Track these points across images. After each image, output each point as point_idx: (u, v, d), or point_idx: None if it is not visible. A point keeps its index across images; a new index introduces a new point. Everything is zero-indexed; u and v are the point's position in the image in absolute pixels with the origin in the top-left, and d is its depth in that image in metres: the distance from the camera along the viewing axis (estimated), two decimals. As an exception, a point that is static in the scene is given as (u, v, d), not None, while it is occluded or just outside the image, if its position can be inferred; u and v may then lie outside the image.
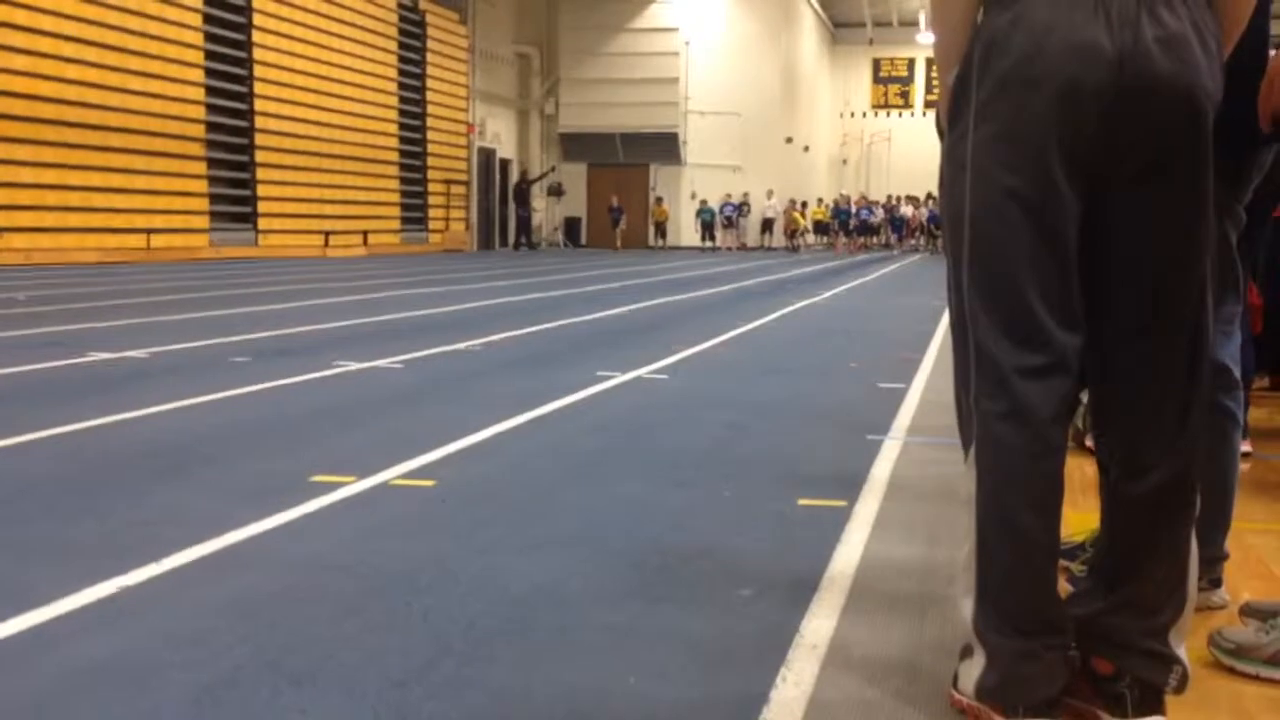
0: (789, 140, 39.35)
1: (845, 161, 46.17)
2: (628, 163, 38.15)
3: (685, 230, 37.30)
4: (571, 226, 38.46)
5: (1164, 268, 2.01)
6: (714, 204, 36.44)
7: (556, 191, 37.90)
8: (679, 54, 37.72)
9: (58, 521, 3.33)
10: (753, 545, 3.23)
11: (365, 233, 26.86)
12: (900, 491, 3.86)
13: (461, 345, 7.87)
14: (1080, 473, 3.65)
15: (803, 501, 3.71)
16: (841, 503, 3.68)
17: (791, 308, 12.26)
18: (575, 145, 38.15)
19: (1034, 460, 1.98)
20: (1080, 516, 3.15)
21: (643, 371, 6.72)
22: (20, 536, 3.19)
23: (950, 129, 2.09)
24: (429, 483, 3.87)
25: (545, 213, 38.17)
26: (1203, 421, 2.06)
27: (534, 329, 9.18)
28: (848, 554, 3.11)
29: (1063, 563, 2.67)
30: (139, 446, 4.39)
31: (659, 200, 37.14)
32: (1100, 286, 2.05)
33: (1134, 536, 2.08)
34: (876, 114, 46.19)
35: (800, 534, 3.34)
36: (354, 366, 6.67)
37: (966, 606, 2.04)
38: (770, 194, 37.26)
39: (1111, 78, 1.91)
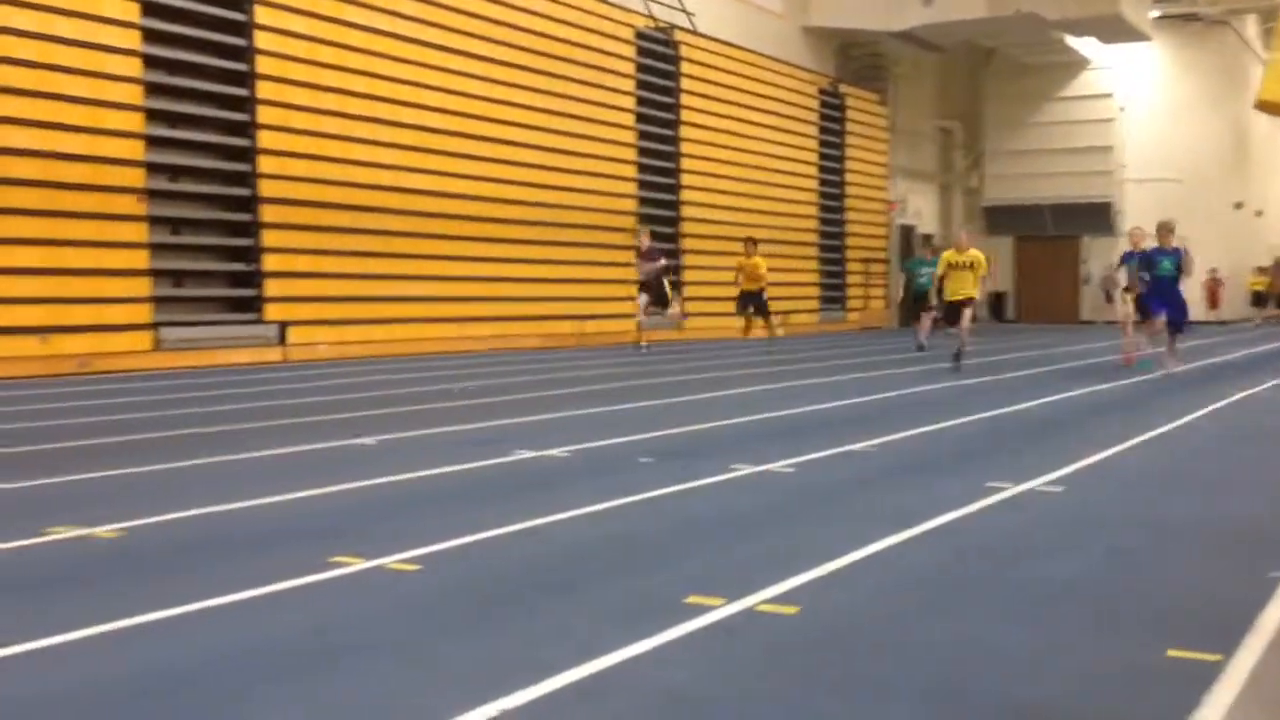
0: (1238, 205, 36.64)
1: (1307, 226, 42.27)
2: (1057, 235, 36.90)
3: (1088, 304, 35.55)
4: (997, 302, 37.57)
5: None
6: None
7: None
8: (1113, 120, 36.21)
9: (452, 638, 3.77)
10: (1104, 704, 3.16)
11: (784, 312, 27.52)
12: (1284, 649, 3.62)
13: (857, 446, 7.99)
14: None
15: (1172, 653, 3.56)
16: (1215, 656, 3.51)
17: (1224, 401, 11.45)
18: (1000, 218, 37.37)
19: None
20: None
21: (1036, 483, 6.57)
22: (415, 654, 3.63)
23: None
24: (793, 609, 4.04)
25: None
26: None
27: (934, 427, 9.14)
28: (1204, 724, 2.99)
29: None
30: (536, 558, 4.84)
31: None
32: None
33: None
34: (1347, 172, 42.06)
35: (1158, 693, 3.24)
36: (748, 470, 6.96)
37: None
38: None
39: None
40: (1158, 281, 14.31)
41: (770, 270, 26.94)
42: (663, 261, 19.27)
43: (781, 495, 6.31)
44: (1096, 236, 36.47)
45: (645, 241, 19.31)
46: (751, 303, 19.93)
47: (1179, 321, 14.50)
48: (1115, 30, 31.14)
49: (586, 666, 3.42)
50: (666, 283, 19.43)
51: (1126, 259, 15.50)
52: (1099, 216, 36.31)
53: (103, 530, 5.17)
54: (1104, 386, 13.15)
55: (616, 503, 5.94)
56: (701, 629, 3.81)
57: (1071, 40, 33.43)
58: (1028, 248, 37.43)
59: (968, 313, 15.60)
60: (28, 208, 13.98)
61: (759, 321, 20.10)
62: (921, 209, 35.23)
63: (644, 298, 19.08)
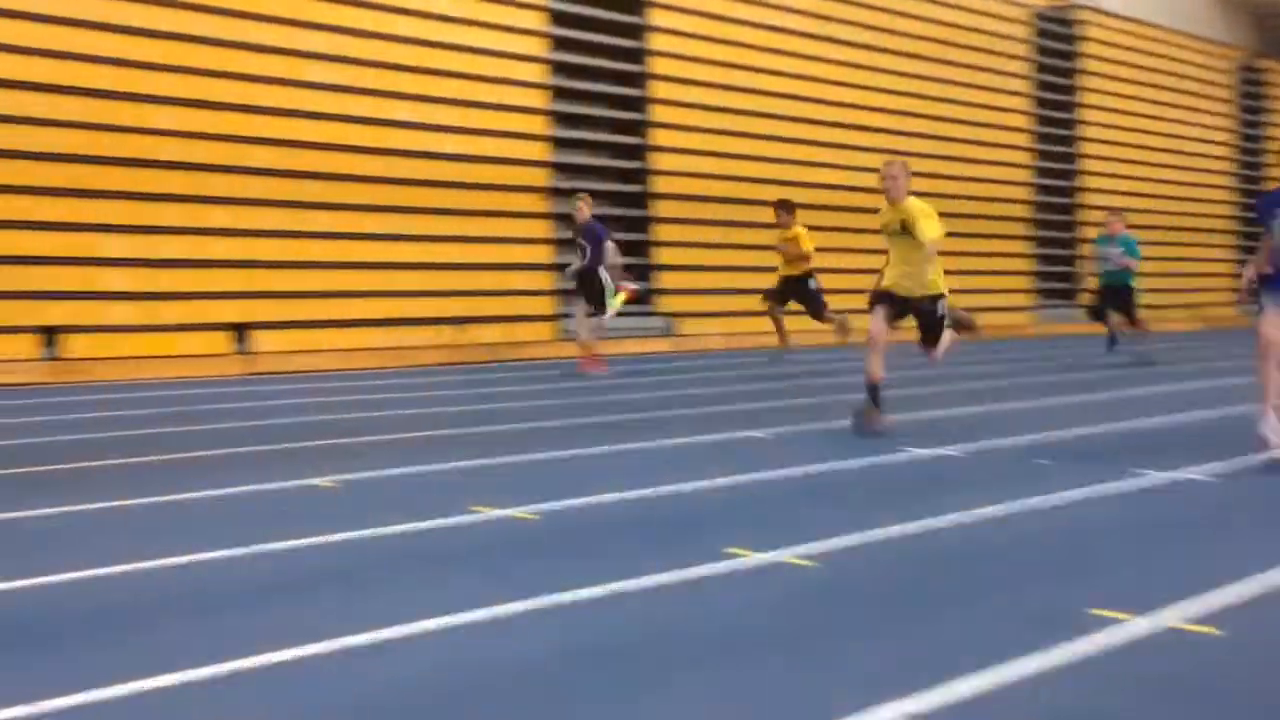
0: None
1: None
2: None
3: None
4: None
5: None
6: None
7: None
8: None
9: (848, 637, 3.76)
10: None
11: (1197, 304, 25.68)
12: None
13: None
14: None
15: None
16: None
17: None
18: None
19: None
20: None
21: None
22: (811, 650, 3.64)
23: None
24: (1215, 631, 3.77)
25: None
26: None
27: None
28: None
29: None
30: (933, 560, 4.76)
31: None
32: None
33: None
34: None
35: None
36: (1158, 476, 6.54)
37: None
38: None
39: None
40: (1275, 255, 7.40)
41: (1184, 261, 25.26)
42: (610, 244, 13.24)
43: (1198, 506, 5.89)
44: None
45: (585, 213, 13.14)
46: (795, 296, 14.26)
47: None
48: None
49: (985, 676, 3.33)
50: (606, 276, 13.02)
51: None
52: None
53: (520, 511, 5.55)
54: None
55: (1015, 506, 5.74)
56: (1109, 646, 3.63)
57: None
58: None
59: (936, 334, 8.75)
60: (448, 207, 15.18)
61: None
62: (1357, 190, 31.84)
63: (581, 305, 13.35)
